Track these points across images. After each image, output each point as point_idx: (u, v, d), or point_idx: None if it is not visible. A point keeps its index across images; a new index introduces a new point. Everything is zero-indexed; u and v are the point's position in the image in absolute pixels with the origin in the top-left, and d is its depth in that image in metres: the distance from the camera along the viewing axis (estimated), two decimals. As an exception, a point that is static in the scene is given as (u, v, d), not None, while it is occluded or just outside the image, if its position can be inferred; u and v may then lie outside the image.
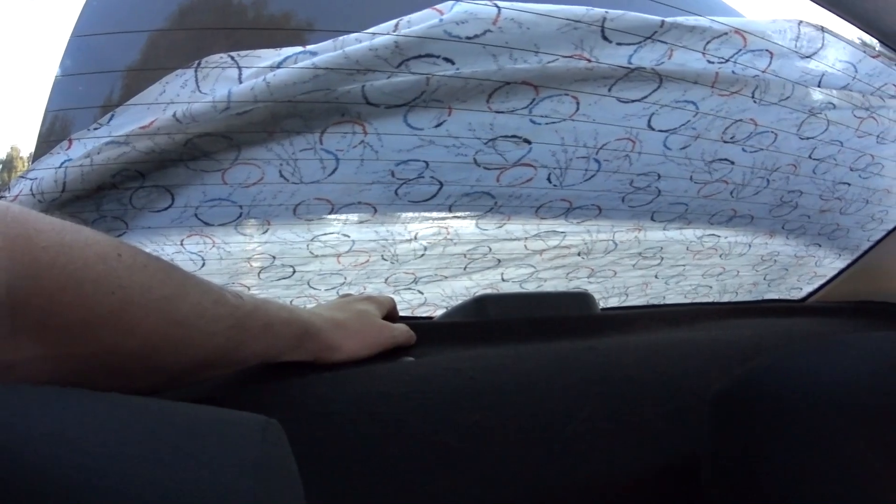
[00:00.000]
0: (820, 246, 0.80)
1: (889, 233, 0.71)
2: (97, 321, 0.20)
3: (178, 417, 0.16)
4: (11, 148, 0.57)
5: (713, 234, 0.72)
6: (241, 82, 0.44)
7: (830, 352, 0.30)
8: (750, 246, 0.77)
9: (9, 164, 0.57)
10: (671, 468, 0.32)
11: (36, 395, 0.14)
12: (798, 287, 0.87)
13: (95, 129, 0.45)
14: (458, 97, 0.46)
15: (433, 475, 0.27)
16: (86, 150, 0.44)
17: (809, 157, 0.62)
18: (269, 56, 0.44)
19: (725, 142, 0.56)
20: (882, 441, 0.24)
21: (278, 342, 0.29)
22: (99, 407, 0.15)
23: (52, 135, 0.60)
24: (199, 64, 0.44)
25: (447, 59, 0.44)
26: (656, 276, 0.76)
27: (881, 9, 0.50)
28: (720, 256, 0.77)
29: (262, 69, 0.43)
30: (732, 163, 0.59)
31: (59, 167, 0.44)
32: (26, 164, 0.61)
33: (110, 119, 0.45)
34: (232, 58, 0.44)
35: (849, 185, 0.69)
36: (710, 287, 0.82)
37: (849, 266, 0.77)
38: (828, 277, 0.80)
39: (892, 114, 0.62)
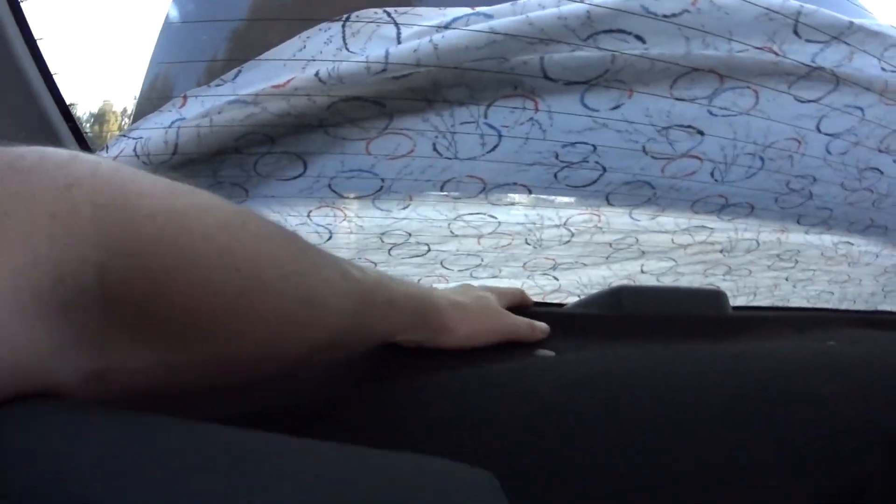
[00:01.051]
0: None
1: None
2: (219, 309, 0.22)
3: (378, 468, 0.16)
4: (104, 102, 0.62)
5: (848, 242, 0.94)
6: (400, 42, 0.51)
7: None
8: (878, 256, 1.00)
9: (100, 118, 0.62)
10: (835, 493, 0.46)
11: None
12: None
13: (218, 85, 0.52)
14: (642, 79, 0.56)
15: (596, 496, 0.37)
16: (204, 108, 0.51)
17: None
18: (434, 15, 0.51)
19: (880, 151, 0.75)
20: None
21: (400, 318, 0.36)
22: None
23: (154, 91, 0.64)
24: (347, 18, 0.51)
25: (638, 37, 0.53)
26: (787, 279, 0.99)
27: None
28: (849, 264, 1.00)
29: (426, 29, 0.51)
30: (882, 173, 0.78)
31: (170, 126, 0.52)
32: (120, 120, 0.64)
33: (236, 75, 0.51)
34: (388, 14, 0.51)
35: None
36: (833, 293, 1.07)
37: None
38: None
39: None
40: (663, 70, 0.57)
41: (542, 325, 0.48)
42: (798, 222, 0.81)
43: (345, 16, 0.50)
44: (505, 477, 0.20)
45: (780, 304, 1.04)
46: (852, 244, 0.94)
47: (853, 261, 0.97)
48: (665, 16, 0.54)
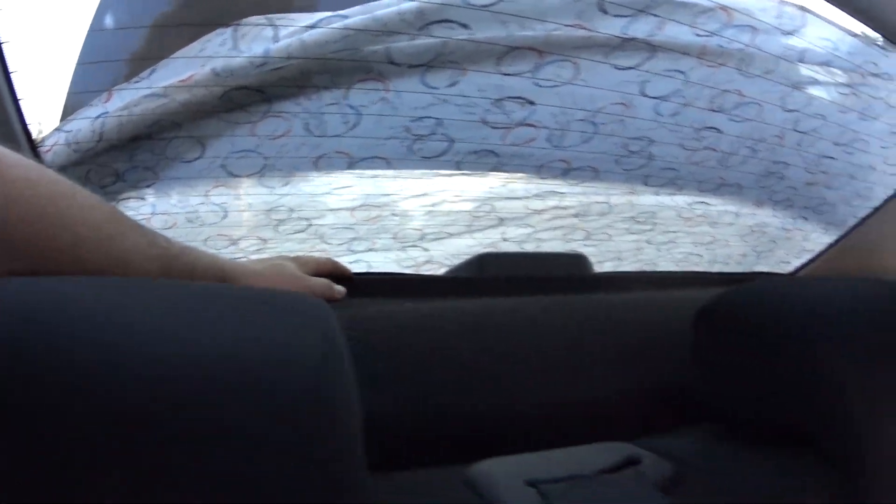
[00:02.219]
0: (807, 220, 1.59)
1: (875, 210, 1.43)
2: (53, 254, 0.46)
3: (258, 296, 0.47)
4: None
5: (703, 202, 1.46)
6: (277, 41, 0.95)
7: (799, 283, 0.95)
8: (738, 215, 1.53)
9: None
10: (656, 390, 0.85)
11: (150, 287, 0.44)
12: (787, 261, 1.64)
13: (136, 82, 0.94)
14: (471, 59, 1.01)
15: (450, 390, 0.77)
16: (124, 102, 0.94)
17: (794, 129, 1.32)
18: (304, 18, 0.96)
19: (713, 111, 1.22)
20: (843, 352, 0.67)
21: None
22: (186, 291, 0.45)
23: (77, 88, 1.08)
24: (237, 24, 0.95)
25: (463, 25, 0.97)
26: (648, 242, 1.54)
27: None
28: (710, 225, 1.53)
29: (297, 29, 0.94)
30: (720, 131, 1.27)
31: (97, 118, 0.95)
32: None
33: (151, 73, 0.94)
34: (268, 19, 1.03)
35: (833, 159, 1.44)
36: (701, 256, 1.63)
37: (836, 242, 1.52)
38: (815, 252, 1.53)
39: (874, 91, 1.30)
40: (488, 50, 1.06)
41: (341, 287, 0.82)
42: (646, 183, 1.32)
43: (235, 22, 0.97)
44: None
45: (648, 268, 1.57)
46: (708, 204, 1.47)
47: (713, 221, 1.51)
48: (482, 6, 1.04)
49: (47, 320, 0.37)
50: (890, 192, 1.49)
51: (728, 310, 0.83)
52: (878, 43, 1.22)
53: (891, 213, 1.51)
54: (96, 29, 1.00)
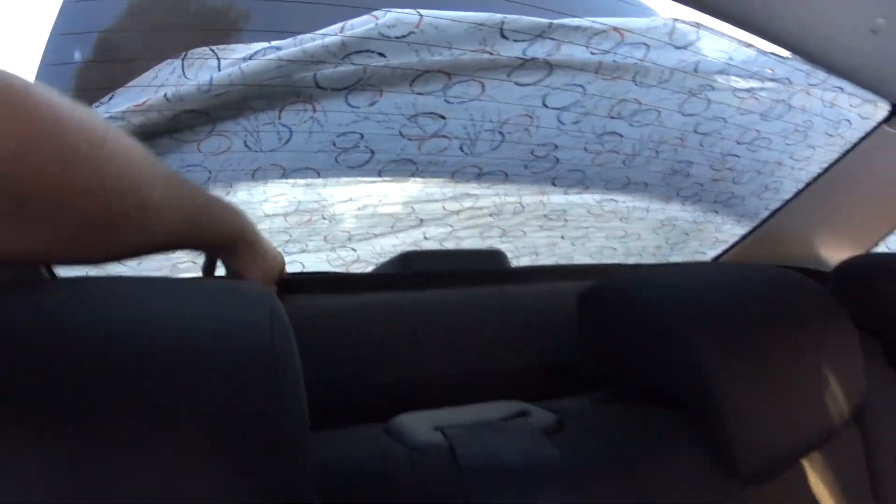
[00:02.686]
0: (717, 213, 2.05)
1: (786, 203, 1.87)
2: (73, 200, 0.52)
3: (206, 288, 0.61)
4: None
5: (611, 199, 1.89)
6: (220, 70, 1.47)
7: (674, 268, 1.24)
8: (648, 210, 1.97)
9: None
10: (550, 364, 1.23)
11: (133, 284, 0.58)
12: (702, 251, 2.15)
13: (97, 107, 1.28)
14: (387, 82, 1.35)
15: (373, 365, 1.13)
16: None
17: (695, 131, 1.72)
18: (242, 50, 1.34)
19: (612, 117, 1.61)
20: (694, 323, 0.95)
21: (213, 240, 0.86)
22: (164, 287, 0.61)
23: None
24: (185, 55, 1.49)
25: (380, 54, 1.27)
26: (562, 237, 1.97)
27: (750, 10, 1.12)
28: (621, 220, 1.98)
29: (237, 60, 1.39)
30: (621, 136, 1.68)
31: None
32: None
33: (110, 99, 1.35)
34: (212, 50, 1.50)
35: (738, 157, 1.86)
36: (615, 249, 2.09)
37: (750, 232, 1.96)
38: (730, 243, 2.00)
39: (775, 94, 1.66)
40: (402, 74, 1.44)
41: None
42: (554, 184, 1.69)
43: (183, 53, 1.30)
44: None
45: (564, 262, 1.95)
46: (616, 201, 1.82)
47: (624, 216, 1.86)
48: (397, 37, 1.42)
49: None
50: (800, 186, 1.89)
51: (603, 294, 1.11)
52: (772, 52, 1.52)
53: (801, 205, 1.93)
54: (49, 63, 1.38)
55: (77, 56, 1.38)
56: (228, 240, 0.92)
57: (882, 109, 1.70)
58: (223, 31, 1.47)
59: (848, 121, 1.87)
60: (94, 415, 0.45)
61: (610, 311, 1.10)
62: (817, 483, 1.05)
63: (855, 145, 1.81)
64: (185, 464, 0.46)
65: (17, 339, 0.48)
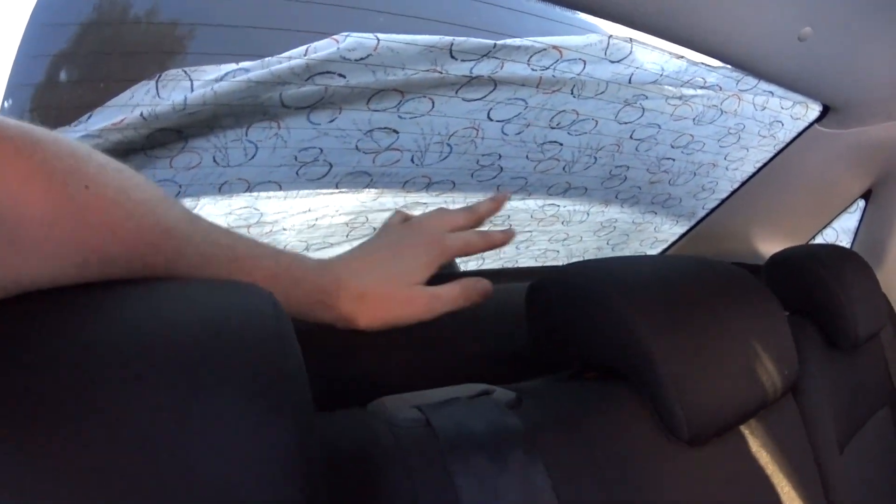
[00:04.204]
0: (656, 213, 2.42)
1: (722, 201, 2.31)
2: (73, 216, 0.56)
3: (206, 287, 0.68)
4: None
5: (553, 204, 2.22)
6: (192, 91, 1.74)
7: (614, 260, 1.37)
8: (588, 213, 2.31)
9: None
10: (511, 351, 1.50)
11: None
12: (642, 251, 2.55)
13: (76, 125, 1.54)
14: (346, 100, 1.57)
15: (345, 359, 1.35)
16: None
17: (630, 137, 2.04)
18: (213, 71, 1.65)
19: (552, 128, 1.91)
20: (643, 305, 1.15)
21: (297, 303, 0.85)
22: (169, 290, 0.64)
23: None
24: (160, 76, 1.76)
25: (341, 75, 1.59)
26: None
27: (680, 25, 1.33)
28: (562, 223, 2.31)
29: (209, 81, 1.65)
30: (561, 144, 1.99)
31: None
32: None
33: (88, 118, 1.66)
34: (185, 72, 1.76)
35: (673, 160, 2.20)
36: (558, 252, 2.43)
37: (688, 231, 2.41)
38: (669, 242, 2.46)
39: (706, 101, 1.98)
40: (360, 93, 1.69)
41: (485, 281, 1.03)
42: (498, 191, 1.99)
43: (157, 74, 1.53)
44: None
45: (509, 265, 2.21)
46: (558, 205, 2.07)
47: (566, 220, 2.10)
48: (356, 60, 1.70)
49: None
50: (735, 185, 2.24)
51: (548, 284, 1.27)
52: (702, 62, 1.72)
53: (737, 202, 2.31)
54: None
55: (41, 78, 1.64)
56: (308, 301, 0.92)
57: (813, 110, 2.01)
58: (186, 53, 1.75)
59: (780, 122, 2.17)
60: (103, 409, 0.50)
61: (556, 298, 1.26)
62: (759, 450, 1.21)
63: (788, 145, 2.13)
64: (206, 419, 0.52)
65: (23, 344, 0.53)
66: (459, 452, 0.89)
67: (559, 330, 1.27)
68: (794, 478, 1.29)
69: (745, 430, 1.23)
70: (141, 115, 1.63)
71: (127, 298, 0.62)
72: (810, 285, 1.79)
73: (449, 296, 1.01)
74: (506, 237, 1.09)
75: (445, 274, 1.09)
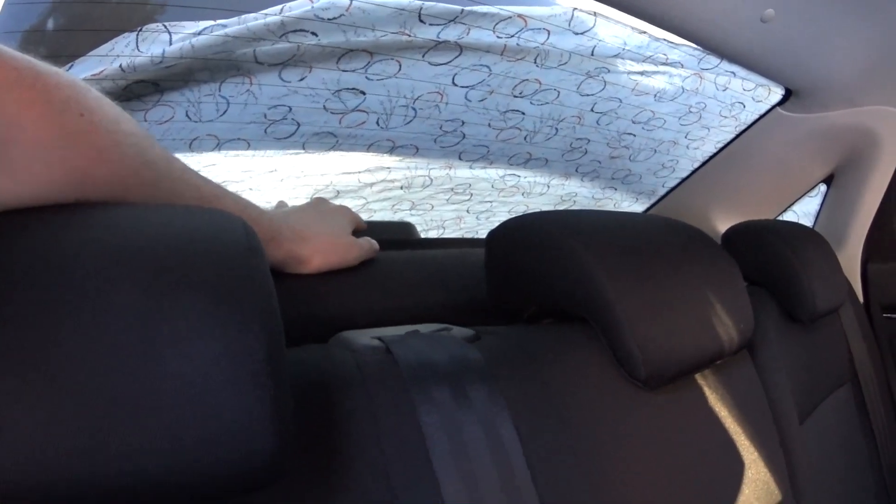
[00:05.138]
0: (616, 189, 2.60)
1: (682, 180, 2.43)
2: (66, 140, 0.64)
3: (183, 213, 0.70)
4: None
5: (514, 174, 2.40)
6: (171, 44, 1.86)
7: (574, 212, 1.46)
8: (549, 186, 2.49)
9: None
10: (466, 303, 1.51)
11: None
12: None
13: None
14: (317, 59, 1.69)
15: (313, 305, 1.28)
16: None
17: (591, 110, 2.19)
18: (192, 26, 1.77)
19: (515, 96, 2.06)
20: (603, 251, 1.21)
21: None
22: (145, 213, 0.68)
23: None
24: (140, 29, 1.84)
25: (313, 33, 1.73)
26: (468, 211, 2.46)
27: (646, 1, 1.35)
28: (523, 195, 2.50)
29: (187, 35, 1.71)
30: (523, 113, 2.15)
31: None
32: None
33: (69, 68, 1.77)
34: (164, 26, 1.88)
35: (633, 135, 2.37)
36: None
37: (648, 209, 2.52)
38: None
39: (668, 78, 2.12)
40: (331, 52, 1.84)
41: (374, 242, 1.22)
42: (460, 158, 2.01)
43: (139, 27, 1.63)
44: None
45: (469, 236, 2.33)
46: (518, 176, 2.20)
47: (526, 192, 2.22)
48: (329, 19, 1.83)
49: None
50: (696, 164, 2.36)
51: (508, 231, 1.31)
52: (665, 38, 1.84)
53: (697, 182, 2.43)
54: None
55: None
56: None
57: (776, 93, 2.10)
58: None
59: (742, 103, 2.29)
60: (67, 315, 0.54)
61: (516, 244, 1.32)
62: (716, 402, 1.29)
63: (749, 126, 2.24)
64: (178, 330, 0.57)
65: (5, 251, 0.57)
66: (422, 383, 0.93)
67: (518, 276, 1.33)
68: (753, 436, 1.37)
69: (701, 382, 1.31)
70: (120, 66, 1.74)
71: (107, 213, 0.68)
72: (768, 257, 1.88)
73: (370, 247, 1.31)
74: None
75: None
